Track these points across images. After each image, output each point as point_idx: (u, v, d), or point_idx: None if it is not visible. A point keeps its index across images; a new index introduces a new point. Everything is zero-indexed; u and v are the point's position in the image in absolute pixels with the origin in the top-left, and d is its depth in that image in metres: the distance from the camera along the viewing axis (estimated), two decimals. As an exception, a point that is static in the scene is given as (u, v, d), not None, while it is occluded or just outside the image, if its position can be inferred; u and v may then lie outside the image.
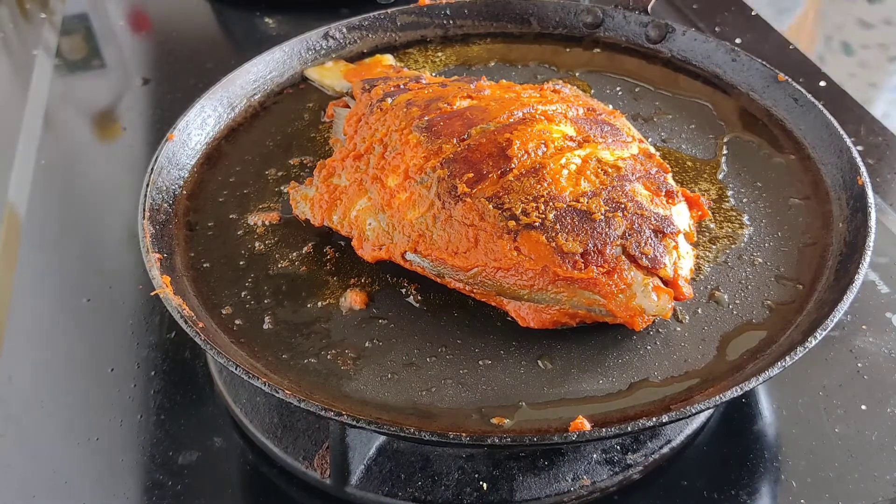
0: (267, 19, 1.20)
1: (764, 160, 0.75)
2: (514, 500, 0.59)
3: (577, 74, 0.87)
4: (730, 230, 0.68)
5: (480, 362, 0.58)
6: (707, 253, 0.66)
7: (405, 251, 0.61)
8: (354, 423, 0.52)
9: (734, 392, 0.52)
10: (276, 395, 0.53)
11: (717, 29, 1.14)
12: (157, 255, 0.63)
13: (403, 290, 0.64)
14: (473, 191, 0.60)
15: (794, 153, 0.75)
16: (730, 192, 0.71)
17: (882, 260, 0.77)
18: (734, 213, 0.69)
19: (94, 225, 0.86)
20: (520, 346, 0.59)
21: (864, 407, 0.65)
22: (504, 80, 0.77)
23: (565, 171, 0.60)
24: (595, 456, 0.61)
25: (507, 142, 0.62)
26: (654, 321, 0.58)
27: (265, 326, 0.61)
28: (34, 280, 0.80)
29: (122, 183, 0.92)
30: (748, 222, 0.68)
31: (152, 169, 0.70)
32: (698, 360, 0.58)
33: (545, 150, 0.62)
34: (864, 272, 0.59)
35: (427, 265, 0.61)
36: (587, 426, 0.52)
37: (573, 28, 0.93)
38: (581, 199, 0.59)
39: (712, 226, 0.68)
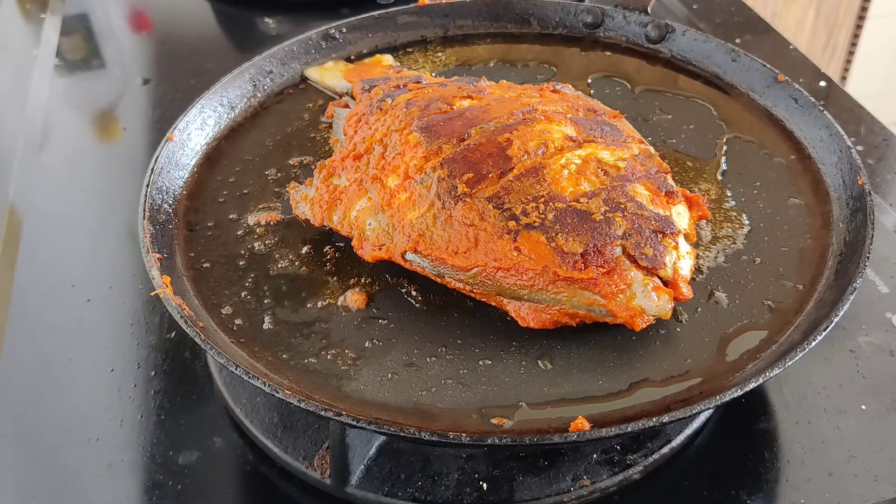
0: (267, 19, 1.20)
1: (764, 160, 0.75)
2: (514, 501, 0.59)
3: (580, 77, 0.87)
4: (730, 230, 0.68)
5: (480, 362, 0.58)
6: (707, 253, 0.66)
7: (405, 251, 0.61)
8: (354, 423, 0.52)
9: (734, 392, 0.52)
10: (276, 395, 0.53)
11: (717, 29, 1.14)
12: (157, 255, 0.63)
13: (403, 290, 0.64)
14: (473, 191, 0.60)
15: (794, 153, 0.75)
16: (730, 192, 0.71)
17: (882, 260, 0.77)
18: (734, 213, 0.69)
19: (94, 225, 0.86)
20: (520, 346, 0.59)
21: (863, 407, 0.65)
22: (504, 80, 0.77)
23: (565, 172, 0.61)
24: (595, 456, 0.61)
25: (507, 142, 0.62)
26: (654, 321, 0.58)
27: (265, 326, 0.61)
28: (34, 280, 0.80)
29: (122, 183, 0.92)
30: (748, 222, 0.68)
31: (152, 169, 0.70)
32: (698, 360, 0.58)
33: (545, 150, 0.62)
34: (864, 272, 0.59)
35: (427, 265, 0.61)
36: (587, 426, 0.52)
37: (573, 28, 0.92)
38: (581, 200, 0.59)
39: (712, 226, 0.68)
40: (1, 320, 0.75)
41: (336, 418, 0.52)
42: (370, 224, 0.63)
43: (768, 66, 0.80)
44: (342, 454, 0.59)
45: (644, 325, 0.57)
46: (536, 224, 0.58)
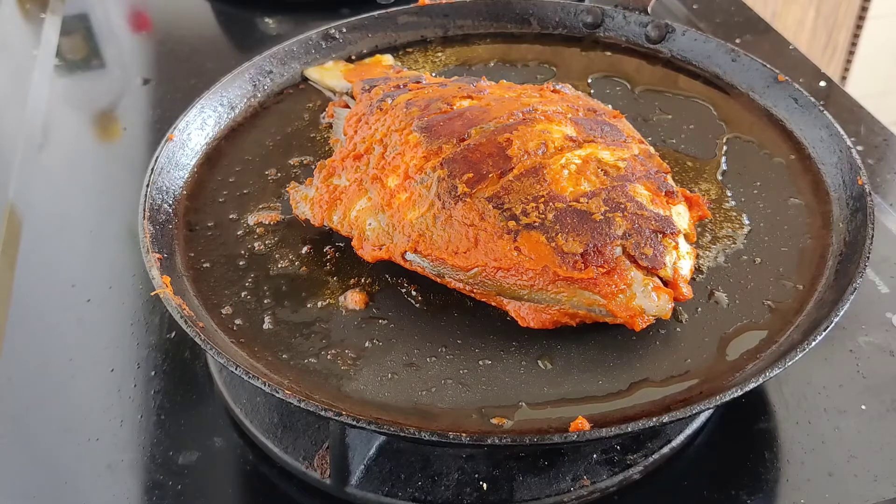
0: (267, 19, 1.20)
1: (764, 160, 0.75)
2: (514, 501, 0.59)
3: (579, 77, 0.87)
4: (730, 230, 0.68)
5: (480, 362, 0.58)
6: (707, 253, 0.66)
7: (405, 251, 0.61)
8: (354, 423, 0.52)
9: (734, 392, 0.52)
10: (276, 395, 0.53)
11: (717, 29, 1.14)
12: (157, 255, 0.63)
13: (403, 290, 0.64)
14: (473, 191, 0.60)
15: (794, 153, 0.75)
16: (730, 192, 0.71)
17: (882, 260, 0.77)
18: (734, 213, 0.69)
19: (94, 225, 0.86)
20: (520, 346, 0.59)
21: (863, 407, 0.65)
22: (504, 80, 0.77)
23: (565, 172, 0.61)
24: (595, 456, 0.61)
25: (507, 142, 0.62)
26: (654, 321, 0.58)
27: (265, 326, 0.61)
28: (34, 280, 0.80)
29: (122, 183, 0.92)
30: (748, 222, 0.68)
31: (152, 169, 0.70)
32: (698, 360, 0.58)
33: (545, 150, 0.62)
34: (864, 272, 0.59)
35: (427, 265, 0.61)
36: (587, 426, 0.52)
37: (573, 28, 0.92)
38: (581, 200, 0.59)
39: (712, 226, 0.68)
40: (1, 320, 0.75)
41: (336, 418, 0.52)
42: (370, 224, 0.63)
43: (768, 66, 0.80)
44: (342, 454, 0.59)
45: (644, 325, 0.57)
46: (536, 224, 0.58)
